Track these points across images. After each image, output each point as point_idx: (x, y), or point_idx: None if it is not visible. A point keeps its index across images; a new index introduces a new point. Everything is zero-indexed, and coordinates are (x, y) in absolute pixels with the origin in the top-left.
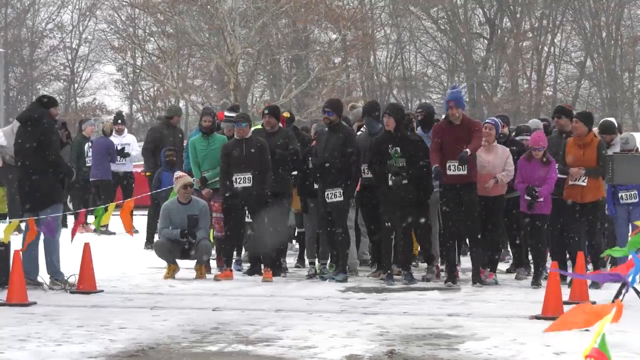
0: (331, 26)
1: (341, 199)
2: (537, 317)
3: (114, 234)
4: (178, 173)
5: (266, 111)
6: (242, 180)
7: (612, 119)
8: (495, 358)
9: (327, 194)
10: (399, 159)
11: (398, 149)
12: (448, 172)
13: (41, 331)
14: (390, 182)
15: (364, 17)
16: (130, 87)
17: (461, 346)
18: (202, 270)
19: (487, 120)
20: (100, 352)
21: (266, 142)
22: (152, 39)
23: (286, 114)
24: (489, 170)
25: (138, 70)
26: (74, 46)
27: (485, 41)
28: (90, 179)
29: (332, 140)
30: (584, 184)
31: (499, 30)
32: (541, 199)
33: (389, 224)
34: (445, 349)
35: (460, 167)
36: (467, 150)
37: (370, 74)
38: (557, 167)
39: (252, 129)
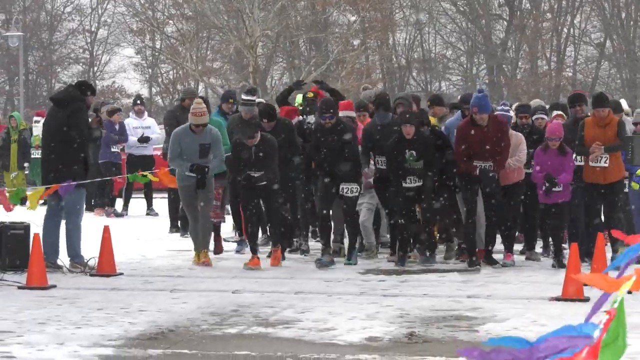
0: (350, 8)
1: (357, 194)
2: (557, 299)
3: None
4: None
5: (265, 120)
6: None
7: (622, 100)
8: None
9: (344, 189)
10: (414, 162)
11: (414, 152)
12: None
13: (61, 314)
14: (405, 183)
15: None
16: (150, 70)
17: (481, 328)
18: (205, 255)
19: (498, 112)
20: (120, 335)
21: (274, 141)
22: (171, 21)
23: (309, 94)
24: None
25: (157, 53)
26: (92, 29)
27: (505, 22)
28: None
29: (331, 137)
30: (606, 165)
31: (519, 12)
32: (560, 188)
33: (402, 220)
34: (465, 330)
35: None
36: (495, 174)
37: (390, 56)
38: (575, 149)
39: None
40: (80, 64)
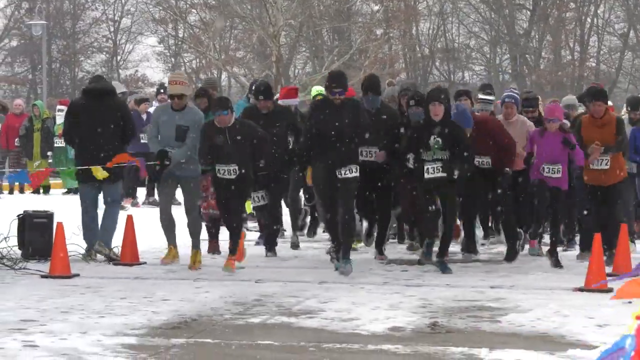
0: None
1: (356, 174)
2: (580, 289)
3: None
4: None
5: (261, 97)
6: (227, 172)
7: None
8: (538, 330)
9: (342, 171)
10: (439, 151)
11: (440, 140)
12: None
13: (84, 303)
14: (426, 175)
15: None
16: (172, 59)
17: (504, 318)
18: (197, 257)
19: (506, 99)
20: (143, 324)
21: (256, 129)
22: (193, 10)
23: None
24: None
25: (180, 42)
26: (116, 18)
27: (528, 12)
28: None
29: (340, 116)
30: (607, 167)
31: (542, 1)
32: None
33: (433, 207)
34: (488, 321)
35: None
36: (508, 170)
37: (413, 45)
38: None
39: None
40: (104, 53)
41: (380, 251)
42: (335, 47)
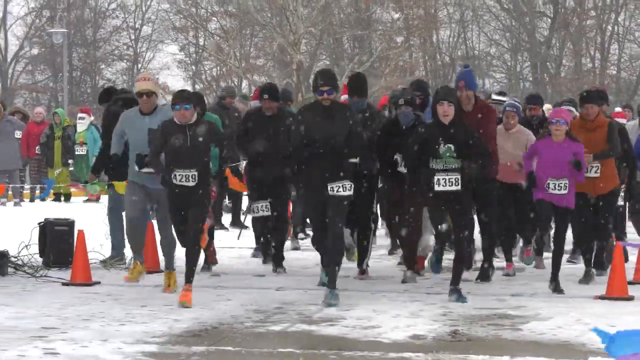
0: (393, 5)
1: (349, 192)
2: (602, 298)
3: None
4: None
5: (265, 96)
6: (185, 178)
7: None
8: (559, 338)
9: (333, 188)
10: (450, 159)
11: (452, 146)
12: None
13: (105, 310)
14: (436, 187)
15: None
16: (193, 67)
17: (525, 326)
18: (172, 279)
19: (507, 108)
20: (164, 332)
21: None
22: (214, 18)
23: None
24: (504, 158)
25: (201, 50)
26: (136, 26)
27: (549, 20)
28: None
29: (330, 121)
30: (597, 175)
31: (563, 9)
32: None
33: (443, 226)
34: (508, 329)
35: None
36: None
37: (433, 53)
38: None
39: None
40: (124, 61)
41: (361, 269)
42: (356, 55)
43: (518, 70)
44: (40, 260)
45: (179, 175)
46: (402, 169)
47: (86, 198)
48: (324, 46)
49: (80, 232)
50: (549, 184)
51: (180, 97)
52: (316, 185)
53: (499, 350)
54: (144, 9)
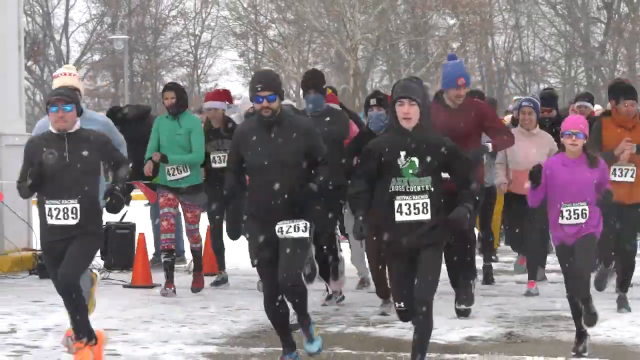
0: (449, 12)
1: (304, 234)
2: None
3: None
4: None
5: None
6: (63, 214)
7: None
8: (613, 340)
9: (281, 228)
10: (414, 177)
11: (416, 160)
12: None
13: (165, 312)
14: (399, 215)
15: (482, 2)
16: (252, 73)
17: None
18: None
19: (524, 103)
20: (223, 334)
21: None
22: (273, 25)
23: (328, 90)
24: (531, 162)
25: (259, 56)
26: (196, 33)
27: (603, 25)
28: None
29: (278, 140)
30: (632, 179)
31: (617, 15)
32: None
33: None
34: (563, 330)
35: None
36: (489, 147)
37: (489, 58)
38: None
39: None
40: (184, 67)
41: (327, 294)
42: (412, 60)
43: (572, 76)
44: (101, 263)
45: (54, 209)
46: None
47: (147, 202)
48: (380, 52)
49: (141, 235)
50: (562, 211)
51: (57, 94)
52: (259, 226)
53: (553, 352)
54: (203, 15)
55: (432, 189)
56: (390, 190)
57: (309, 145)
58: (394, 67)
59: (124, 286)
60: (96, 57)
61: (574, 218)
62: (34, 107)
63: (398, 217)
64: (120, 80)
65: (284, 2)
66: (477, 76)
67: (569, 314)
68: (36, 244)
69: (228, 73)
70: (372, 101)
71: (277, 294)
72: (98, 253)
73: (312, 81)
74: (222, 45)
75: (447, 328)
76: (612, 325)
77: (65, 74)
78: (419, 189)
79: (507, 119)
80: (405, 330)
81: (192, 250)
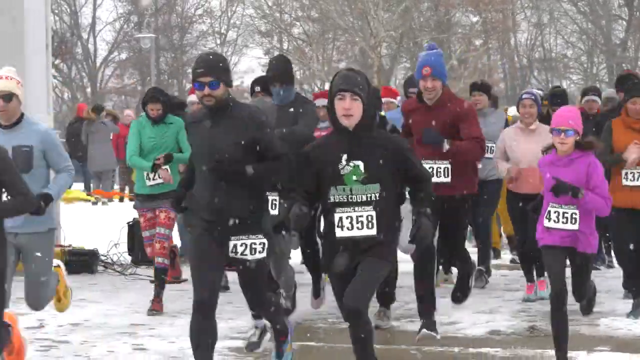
0: (472, 9)
1: (260, 255)
2: None
3: None
4: None
5: (257, 88)
6: None
7: None
8: (634, 334)
9: (234, 247)
10: (358, 185)
11: (360, 164)
12: None
13: (191, 307)
14: (339, 230)
15: (504, 0)
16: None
17: (601, 322)
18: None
19: (524, 95)
20: (249, 328)
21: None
22: (297, 23)
23: None
24: (530, 161)
25: (284, 54)
26: (222, 31)
27: (624, 22)
28: None
29: (219, 131)
30: None
31: (638, 12)
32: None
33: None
34: (586, 324)
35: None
36: (446, 144)
37: (511, 55)
38: (599, 159)
39: None
40: None
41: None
42: None
43: (594, 72)
44: (129, 258)
45: None
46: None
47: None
48: (404, 49)
49: None
50: (549, 212)
51: None
52: (205, 238)
53: (576, 345)
54: (229, 14)
55: (379, 198)
56: (330, 201)
57: (255, 138)
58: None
59: (151, 281)
60: (123, 56)
61: (562, 222)
62: (62, 105)
63: (339, 233)
64: (147, 79)
65: (308, 0)
66: (499, 73)
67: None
68: (64, 241)
69: (253, 71)
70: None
71: (212, 307)
72: (125, 248)
73: (278, 72)
74: (247, 43)
75: (470, 322)
76: (634, 319)
77: (2, 78)
78: (363, 198)
79: (512, 110)
80: None
81: (156, 268)
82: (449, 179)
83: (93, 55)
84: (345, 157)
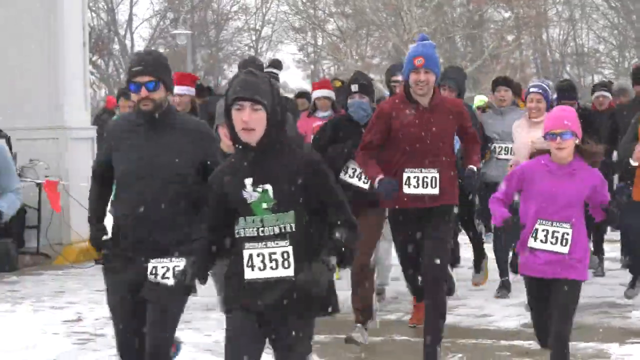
0: (504, 5)
1: (190, 283)
2: None
3: None
4: None
5: (354, 87)
6: None
7: None
8: None
9: (154, 269)
10: (269, 214)
11: (269, 188)
12: (406, 190)
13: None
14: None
15: None
16: (312, 67)
17: (633, 314)
18: None
19: (532, 89)
20: None
21: None
22: (331, 19)
23: (337, 83)
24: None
25: (319, 50)
26: (257, 27)
27: None
28: None
29: (157, 143)
30: None
31: None
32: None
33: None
34: (618, 317)
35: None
36: (473, 167)
37: (543, 50)
38: (620, 149)
39: None
40: None
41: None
42: (468, 53)
43: (626, 67)
44: None
45: None
46: (359, 183)
47: None
48: (437, 45)
49: None
50: (536, 231)
51: None
52: (123, 262)
53: (608, 338)
54: (264, 10)
55: (296, 229)
56: (238, 236)
57: (201, 152)
58: (450, 59)
59: None
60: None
61: (551, 243)
62: (99, 102)
63: (248, 274)
64: None
65: None
66: (532, 68)
67: (622, 301)
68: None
69: (288, 67)
70: (354, 87)
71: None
72: None
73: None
74: (282, 39)
75: (502, 315)
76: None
77: None
78: (276, 230)
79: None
80: (462, 317)
81: None
82: (436, 190)
83: (130, 52)
84: (250, 181)
